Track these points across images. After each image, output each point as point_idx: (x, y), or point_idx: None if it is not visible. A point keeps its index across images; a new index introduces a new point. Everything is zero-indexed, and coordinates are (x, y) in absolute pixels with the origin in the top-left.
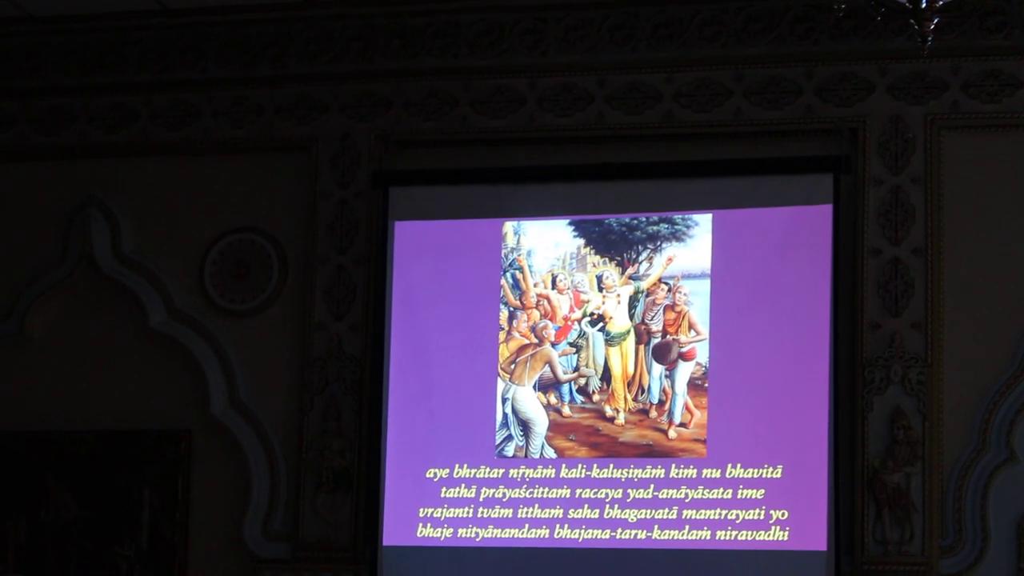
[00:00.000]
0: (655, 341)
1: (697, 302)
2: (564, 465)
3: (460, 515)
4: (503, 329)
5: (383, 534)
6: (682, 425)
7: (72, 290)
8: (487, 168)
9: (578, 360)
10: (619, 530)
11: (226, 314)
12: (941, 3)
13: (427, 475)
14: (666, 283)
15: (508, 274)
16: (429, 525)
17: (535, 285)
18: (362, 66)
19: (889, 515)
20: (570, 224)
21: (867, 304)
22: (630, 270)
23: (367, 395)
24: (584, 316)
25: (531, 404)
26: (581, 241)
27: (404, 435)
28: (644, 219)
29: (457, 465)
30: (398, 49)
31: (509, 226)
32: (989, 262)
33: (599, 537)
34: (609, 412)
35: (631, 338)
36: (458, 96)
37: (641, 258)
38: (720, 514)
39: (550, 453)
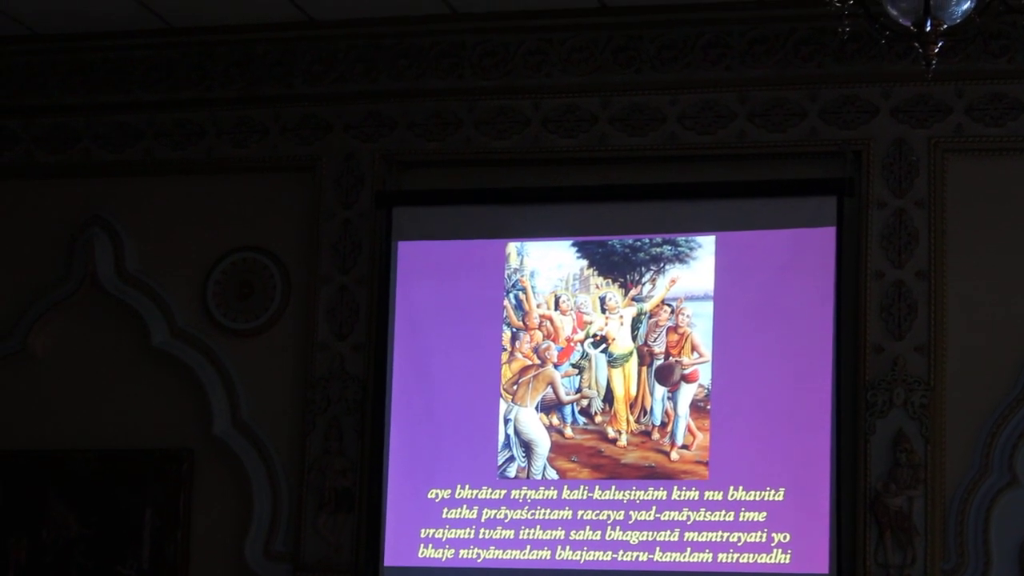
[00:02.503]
0: (658, 363)
1: (700, 324)
2: (566, 486)
3: (462, 536)
4: (506, 350)
5: (385, 555)
6: (684, 447)
7: (75, 309)
8: (491, 189)
9: (581, 381)
10: (621, 552)
11: (229, 333)
12: (945, 27)
13: (429, 496)
14: (669, 305)
15: (511, 295)
16: (431, 546)
17: (538, 306)
18: (366, 86)
19: (891, 538)
20: (573, 245)
21: (870, 327)
22: (633, 291)
23: (369, 415)
24: (587, 337)
25: (533, 425)
26: (584, 262)
27: (406, 455)
28: (647, 240)
29: (459, 486)
30: (402, 70)
31: (512, 247)
32: (992, 286)
33: (601, 559)
34: (611, 434)
35: (634, 360)
36: (462, 117)
37: (644, 280)
38: (722, 536)
39: (552, 474)
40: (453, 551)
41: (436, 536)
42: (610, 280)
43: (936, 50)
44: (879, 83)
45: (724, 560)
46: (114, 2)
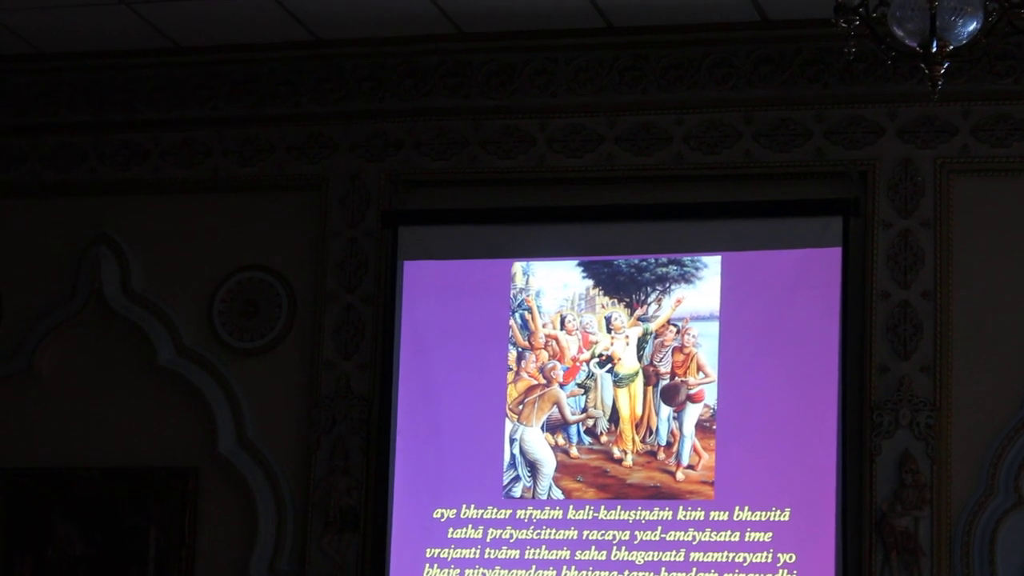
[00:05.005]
0: (663, 383)
1: (706, 344)
2: (571, 506)
3: (467, 556)
4: (511, 369)
5: (390, 574)
6: (690, 467)
7: (81, 327)
8: (496, 208)
9: (586, 401)
10: (626, 572)
11: (235, 352)
12: (951, 48)
13: (434, 515)
14: (675, 325)
15: (517, 314)
16: (436, 566)
17: (544, 326)
18: (372, 105)
19: (897, 559)
20: (579, 265)
21: (876, 347)
22: (639, 311)
23: (375, 434)
24: (592, 357)
25: (539, 445)
26: (590, 282)
27: (411, 475)
28: (653, 260)
29: (464, 505)
30: (408, 89)
31: (518, 266)
32: (998, 306)
33: None
34: (617, 454)
35: (639, 379)
36: (468, 136)
37: (650, 300)
38: (728, 557)
39: (557, 494)
40: (458, 571)
41: (441, 556)
42: (616, 300)
43: (942, 71)
44: (885, 103)
45: None
46: (120, 21)
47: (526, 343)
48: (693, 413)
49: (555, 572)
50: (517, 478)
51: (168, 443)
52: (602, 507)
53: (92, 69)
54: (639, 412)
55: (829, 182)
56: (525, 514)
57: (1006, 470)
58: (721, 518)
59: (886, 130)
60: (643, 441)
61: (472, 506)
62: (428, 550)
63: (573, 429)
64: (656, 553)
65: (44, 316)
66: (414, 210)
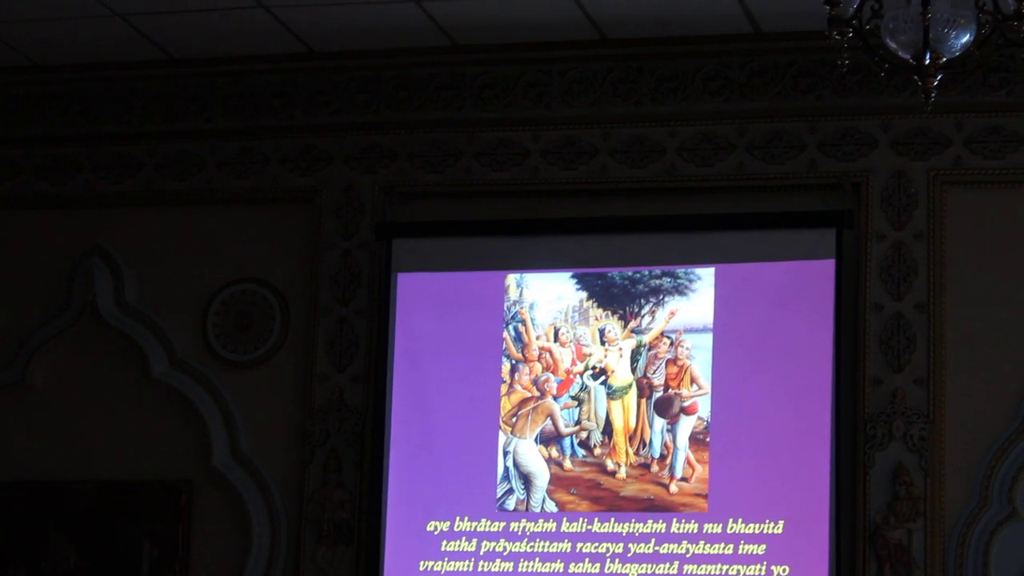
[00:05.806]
0: (657, 395)
1: (699, 356)
2: (565, 519)
3: (461, 568)
4: (505, 382)
5: None
6: (683, 479)
7: (75, 340)
8: (490, 220)
9: (580, 413)
10: None
11: (228, 365)
12: (944, 60)
13: (428, 528)
14: (668, 337)
15: (510, 327)
16: None
17: (537, 338)
18: (366, 118)
19: (891, 571)
20: (573, 277)
21: (869, 359)
22: (632, 323)
23: (368, 447)
24: (586, 369)
25: (532, 457)
26: (584, 294)
27: (405, 488)
28: (647, 273)
29: (458, 518)
30: (402, 101)
31: (512, 279)
32: (991, 318)
33: None
34: (610, 466)
35: (633, 392)
36: (462, 148)
37: (643, 312)
38: (721, 569)
39: (551, 507)
40: None
41: (435, 568)
42: (609, 312)
43: (935, 83)
44: (878, 115)
45: None
46: (115, 33)
47: (520, 355)
48: (687, 425)
49: None
50: (511, 490)
51: (162, 456)
52: (596, 520)
53: (86, 81)
54: (632, 424)
55: (822, 194)
56: (519, 527)
57: (1000, 481)
58: (715, 531)
59: (879, 142)
60: (637, 453)
61: (466, 518)
62: (422, 563)
63: (567, 441)
64: (650, 566)
65: (38, 328)
66: (408, 222)
